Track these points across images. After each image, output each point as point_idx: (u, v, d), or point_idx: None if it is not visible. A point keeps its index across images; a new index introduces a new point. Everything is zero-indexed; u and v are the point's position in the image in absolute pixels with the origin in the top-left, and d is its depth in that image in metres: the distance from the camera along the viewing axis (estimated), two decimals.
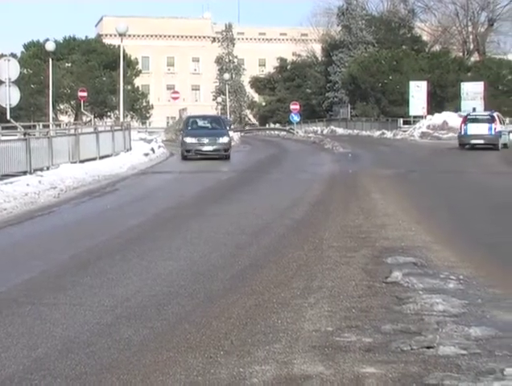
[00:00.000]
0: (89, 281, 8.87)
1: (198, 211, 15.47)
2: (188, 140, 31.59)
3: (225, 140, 31.63)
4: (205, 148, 31.19)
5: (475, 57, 76.67)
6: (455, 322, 6.96)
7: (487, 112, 41.18)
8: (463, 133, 38.70)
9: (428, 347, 6.22)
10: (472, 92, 59.73)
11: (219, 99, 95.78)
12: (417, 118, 58.57)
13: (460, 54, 76.50)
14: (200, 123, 34.98)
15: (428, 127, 53.42)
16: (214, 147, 31.21)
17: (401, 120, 60.38)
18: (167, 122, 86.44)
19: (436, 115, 54.61)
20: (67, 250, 11.13)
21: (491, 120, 38.19)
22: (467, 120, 39.17)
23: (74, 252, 10.89)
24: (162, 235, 12.49)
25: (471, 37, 78.25)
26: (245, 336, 6.63)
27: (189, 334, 6.68)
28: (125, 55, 48.10)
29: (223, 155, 31.12)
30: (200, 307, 7.68)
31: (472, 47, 77.96)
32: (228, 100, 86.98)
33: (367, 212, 14.77)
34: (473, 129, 37.85)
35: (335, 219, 13.88)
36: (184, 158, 31.47)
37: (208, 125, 34.67)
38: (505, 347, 6.22)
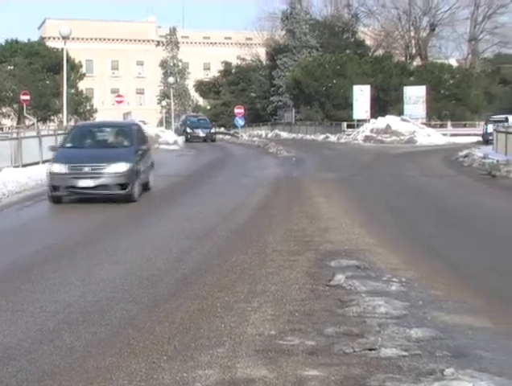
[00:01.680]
0: (32, 287, 8.79)
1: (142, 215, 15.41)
2: (56, 168, 17.76)
3: (120, 168, 17.54)
4: (82, 183, 17.30)
5: (417, 61, 77.67)
6: (396, 323, 7.05)
7: (503, 116, 48.58)
8: (484, 131, 47.89)
9: (370, 349, 6.29)
10: (415, 96, 60.66)
11: (163, 102, 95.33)
12: (361, 122, 58.94)
13: (403, 58, 77.45)
14: (95, 137, 20.05)
15: (372, 131, 53.82)
16: (99, 181, 17.31)
17: (345, 124, 60.72)
18: None
19: (380, 119, 55.00)
20: (9, 256, 11.00)
21: (505, 121, 45.43)
22: (487, 121, 48.67)
23: (16, 258, 10.77)
24: (106, 239, 12.41)
25: (413, 41, 79.30)
26: (188, 341, 6.63)
27: (132, 339, 6.66)
28: (68, 59, 47.56)
29: (118, 195, 17.49)
30: (143, 312, 7.66)
31: (414, 51, 78.99)
32: (172, 103, 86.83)
33: (311, 216, 14.85)
34: (491, 128, 44.36)
35: (279, 223, 13.92)
36: (53, 200, 17.81)
37: (111, 139, 19.82)
38: (446, 348, 6.33)
